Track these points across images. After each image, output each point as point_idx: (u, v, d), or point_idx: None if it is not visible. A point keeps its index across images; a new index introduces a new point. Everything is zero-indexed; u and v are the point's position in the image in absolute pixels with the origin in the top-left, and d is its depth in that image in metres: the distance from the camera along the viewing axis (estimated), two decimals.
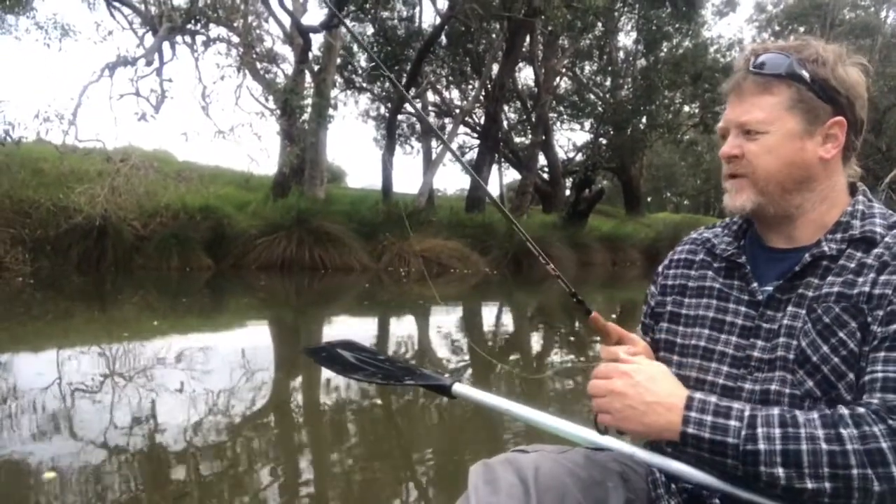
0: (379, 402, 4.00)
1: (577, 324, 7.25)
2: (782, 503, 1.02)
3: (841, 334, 1.03)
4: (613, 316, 8.37)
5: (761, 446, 0.96)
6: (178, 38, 13.87)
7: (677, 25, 20.20)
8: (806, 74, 1.07)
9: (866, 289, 1.03)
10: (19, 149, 11.66)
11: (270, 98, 15.10)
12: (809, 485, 0.93)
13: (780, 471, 0.94)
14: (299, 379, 4.67)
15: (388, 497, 2.70)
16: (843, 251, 1.09)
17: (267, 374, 4.84)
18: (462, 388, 1.38)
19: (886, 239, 1.07)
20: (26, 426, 3.33)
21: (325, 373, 4.23)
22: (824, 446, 0.93)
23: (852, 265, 1.07)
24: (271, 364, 5.30)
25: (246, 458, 3.04)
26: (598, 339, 1.19)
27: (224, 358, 5.12)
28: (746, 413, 0.99)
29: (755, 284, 1.14)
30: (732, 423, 0.98)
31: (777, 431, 0.96)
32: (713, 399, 1.02)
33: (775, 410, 0.99)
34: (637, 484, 1.21)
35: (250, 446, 3.22)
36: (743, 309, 1.15)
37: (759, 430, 0.97)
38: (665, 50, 21.41)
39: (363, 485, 2.80)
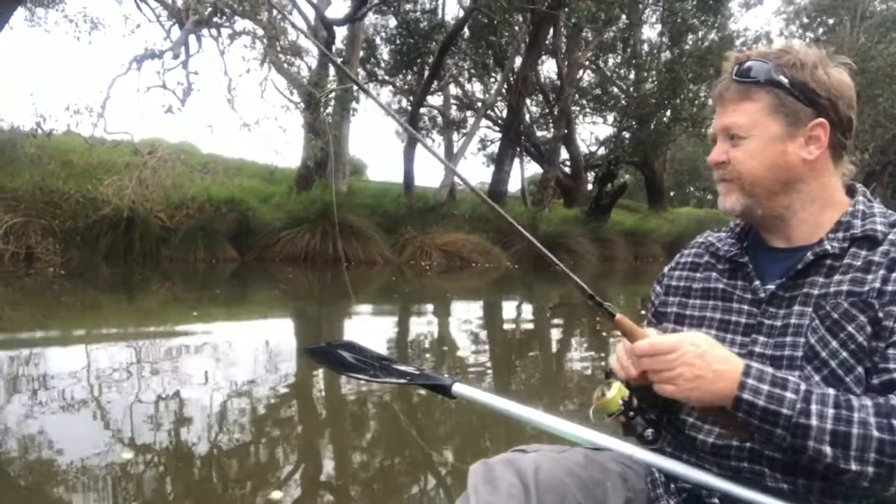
0: (379, 401, 4.02)
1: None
2: (793, 501, 1.05)
3: (849, 328, 1.04)
4: (643, 313, 8.36)
5: (813, 422, 0.97)
6: (204, 32, 13.98)
7: (703, 18, 19.94)
8: (784, 79, 1.11)
9: (877, 285, 1.05)
10: (50, 141, 11.86)
11: (295, 91, 15.19)
12: (853, 467, 0.95)
13: (828, 449, 0.96)
14: (319, 373, 4.73)
15: (387, 497, 2.71)
16: (846, 250, 1.11)
17: (289, 366, 4.93)
18: (462, 388, 1.39)
19: (890, 237, 1.09)
20: (103, 407, 3.53)
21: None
22: (875, 433, 0.95)
23: (858, 263, 1.09)
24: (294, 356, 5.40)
25: (248, 445, 3.13)
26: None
27: (259, 348, 5.28)
28: (802, 387, 1.00)
29: (757, 283, 1.17)
30: (788, 394, 0.99)
31: (830, 411, 0.97)
32: (769, 369, 1.03)
33: (830, 390, 1.00)
34: (636, 484, 1.23)
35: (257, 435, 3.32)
36: (745, 307, 1.17)
37: (813, 407, 0.98)
38: (690, 43, 21.16)
39: (362, 484, 2.81)
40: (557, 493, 1.11)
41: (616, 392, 1.11)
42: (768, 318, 1.14)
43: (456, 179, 17.65)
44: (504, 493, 1.08)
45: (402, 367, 1.58)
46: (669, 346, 1.03)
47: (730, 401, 1.01)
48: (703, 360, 1.02)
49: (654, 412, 1.15)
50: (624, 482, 1.21)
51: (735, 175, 1.16)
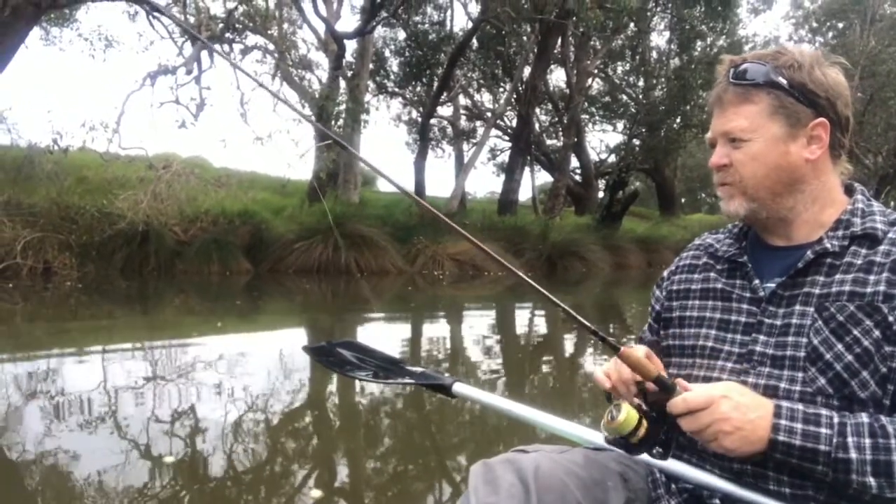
0: (378, 401, 4.06)
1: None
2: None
3: (855, 332, 1.04)
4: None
5: (853, 455, 0.97)
6: (217, 47, 14.16)
7: (711, 24, 19.95)
8: (783, 81, 1.10)
9: (881, 288, 1.04)
10: (66, 157, 12.02)
11: (306, 105, 15.33)
12: None
13: (872, 480, 0.96)
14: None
15: (387, 497, 2.72)
16: (847, 248, 1.11)
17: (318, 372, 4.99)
18: (462, 388, 1.39)
19: (890, 235, 1.09)
20: (149, 412, 3.67)
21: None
22: None
23: (859, 262, 1.08)
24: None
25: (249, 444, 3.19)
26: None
27: (287, 355, 5.41)
28: (836, 420, 1.00)
29: (757, 281, 1.17)
30: (823, 430, 0.99)
31: (867, 441, 0.97)
32: (800, 406, 1.02)
33: (864, 418, 1.00)
34: (637, 484, 1.22)
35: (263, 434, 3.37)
36: (745, 306, 1.17)
37: (850, 440, 0.98)
38: (699, 49, 21.17)
39: (362, 484, 2.83)
40: (557, 492, 1.10)
41: (626, 415, 1.09)
42: (768, 317, 1.13)
43: (467, 189, 17.68)
44: (504, 493, 1.07)
45: (403, 367, 1.57)
46: (703, 401, 1.02)
47: (766, 444, 1.01)
48: (738, 412, 1.01)
49: (663, 432, 1.14)
50: (624, 482, 1.20)
51: (737, 178, 1.15)
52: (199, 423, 3.55)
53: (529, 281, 1.15)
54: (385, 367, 1.59)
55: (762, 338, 1.13)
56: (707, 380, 1.14)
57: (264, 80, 15.55)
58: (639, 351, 1.14)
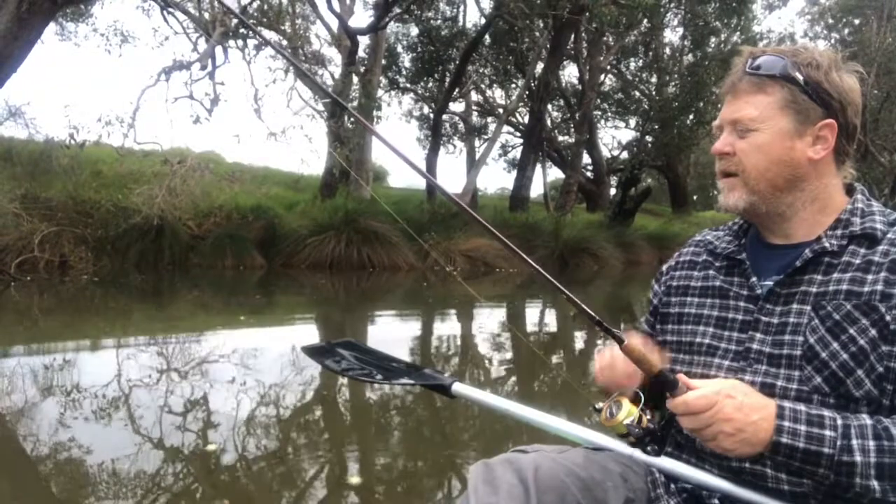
0: (386, 398, 4.10)
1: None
2: (793, 502, 1.06)
3: (851, 331, 1.04)
4: None
5: (857, 458, 0.95)
6: (231, 43, 14.23)
7: (725, 20, 19.83)
8: (800, 76, 1.11)
9: (879, 287, 1.04)
10: (82, 151, 12.12)
11: (319, 101, 15.39)
12: None
13: (875, 483, 0.95)
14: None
15: (388, 494, 2.73)
16: (845, 247, 1.11)
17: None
18: (462, 388, 1.40)
19: (889, 235, 1.09)
20: (184, 402, 3.81)
21: None
22: None
23: (857, 261, 1.08)
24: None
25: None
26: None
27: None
28: (839, 422, 0.98)
29: (754, 279, 1.17)
30: (827, 432, 0.97)
31: (872, 444, 0.96)
32: (802, 407, 1.00)
33: (866, 420, 0.99)
34: (636, 484, 1.22)
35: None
36: (742, 304, 1.18)
37: (854, 442, 0.96)
38: (713, 46, 21.04)
39: (362, 480, 2.84)
40: (557, 493, 1.11)
41: (626, 413, 1.09)
42: (765, 315, 1.14)
43: (479, 185, 17.67)
44: (504, 493, 1.07)
45: (402, 367, 1.58)
46: (706, 403, 0.99)
47: (766, 445, 0.99)
48: (741, 413, 0.98)
49: (659, 428, 1.15)
50: (624, 482, 1.21)
51: (740, 168, 1.15)
52: (211, 416, 3.63)
53: (540, 270, 1.18)
54: (385, 367, 1.59)
55: (759, 336, 1.14)
56: (704, 377, 1.11)
57: (278, 75, 15.62)
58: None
